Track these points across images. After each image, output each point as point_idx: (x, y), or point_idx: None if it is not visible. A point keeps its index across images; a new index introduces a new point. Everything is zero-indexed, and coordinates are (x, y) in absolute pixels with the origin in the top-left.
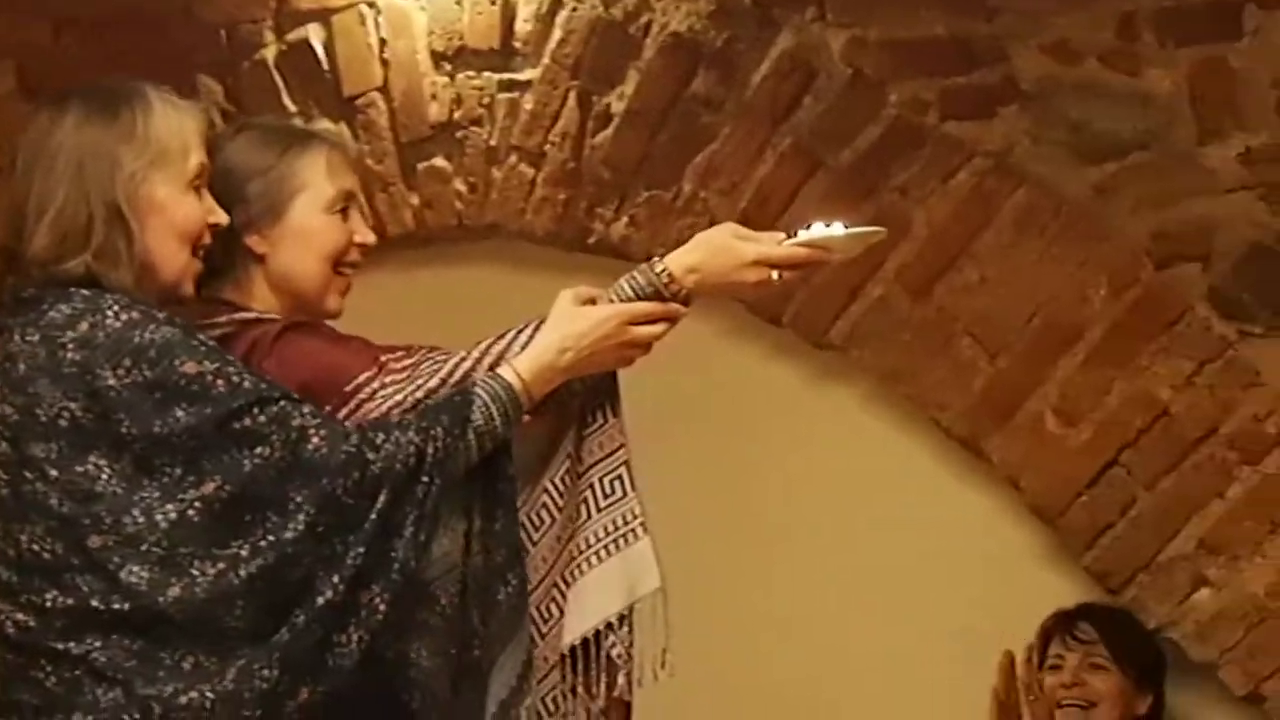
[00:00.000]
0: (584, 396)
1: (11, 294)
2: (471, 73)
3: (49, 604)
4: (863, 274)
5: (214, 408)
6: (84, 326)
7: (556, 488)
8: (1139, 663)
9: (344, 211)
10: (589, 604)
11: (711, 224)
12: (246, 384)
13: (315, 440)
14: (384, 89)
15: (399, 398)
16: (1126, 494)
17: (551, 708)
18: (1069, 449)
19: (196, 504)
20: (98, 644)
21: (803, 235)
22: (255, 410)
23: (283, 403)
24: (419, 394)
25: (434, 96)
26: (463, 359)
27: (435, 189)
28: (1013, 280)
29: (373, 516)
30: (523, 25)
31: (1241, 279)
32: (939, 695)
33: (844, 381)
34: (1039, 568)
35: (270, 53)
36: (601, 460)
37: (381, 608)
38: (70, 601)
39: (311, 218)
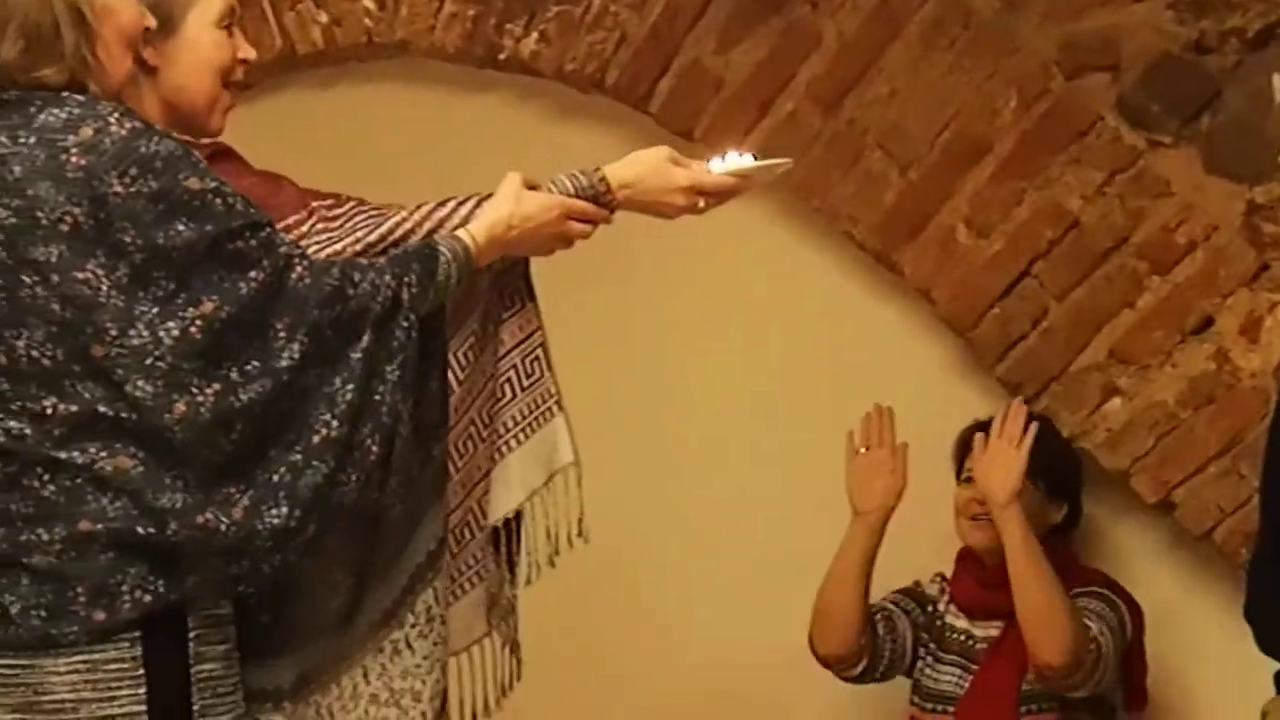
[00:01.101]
0: (496, 280)
1: None
2: None
3: (48, 411)
4: (773, 88)
5: (213, 225)
6: (87, 132)
7: (459, 361)
8: (1053, 472)
9: (229, 27)
10: (513, 480)
11: (621, 40)
12: (239, 206)
13: (299, 270)
14: None
15: (337, 247)
16: (1038, 305)
17: (468, 583)
18: (980, 261)
19: (198, 322)
20: (102, 453)
21: (723, 164)
22: (247, 233)
23: (268, 229)
24: (357, 246)
25: None
26: (403, 219)
27: (344, 6)
28: (922, 93)
29: (357, 355)
30: None
31: (1150, 89)
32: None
33: (754, 196)
34: (951, 380)
35: None
36: (520, 344)
37: (374, 449)
38: (73, 408)
39: (203, 32)
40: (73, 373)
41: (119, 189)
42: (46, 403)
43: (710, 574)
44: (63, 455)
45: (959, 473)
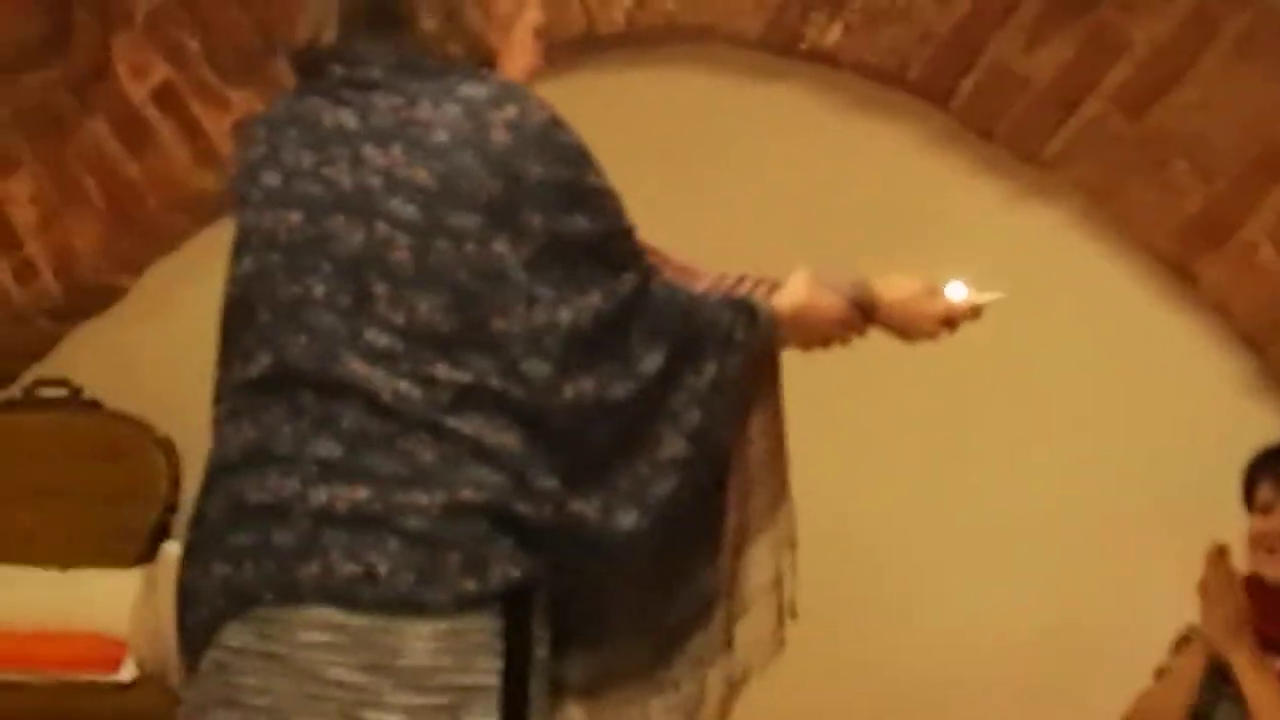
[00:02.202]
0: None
1: (399, 60)
2: None
3: (439, 377)
4: (1079, 90)
5: (605, 224)
6: (511, 111)
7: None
8: None
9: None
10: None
11: (925, 35)
12: (621, 210)
13: (658, 283)
14: None
15: None
16: None
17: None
18: None
19: (588, 313)
20: (487, 426)
21: (960, 293)
22: (626, 238)
23: (637, 237)
24: None
25: None
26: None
27: None
28: (1232, 103)
29: (704, 379)
30: None
31: None
32: (1141, 519)
33: (1051, 200)
34: (1246, 398)
35: None
36: (766, 433)
37: (705, 478)
38: (465, 378)
39: (527, 37)
40: (468, 342)
41: (535, 171)
42: (439, 368)
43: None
44: (449, 422)
45: (1250, 500)
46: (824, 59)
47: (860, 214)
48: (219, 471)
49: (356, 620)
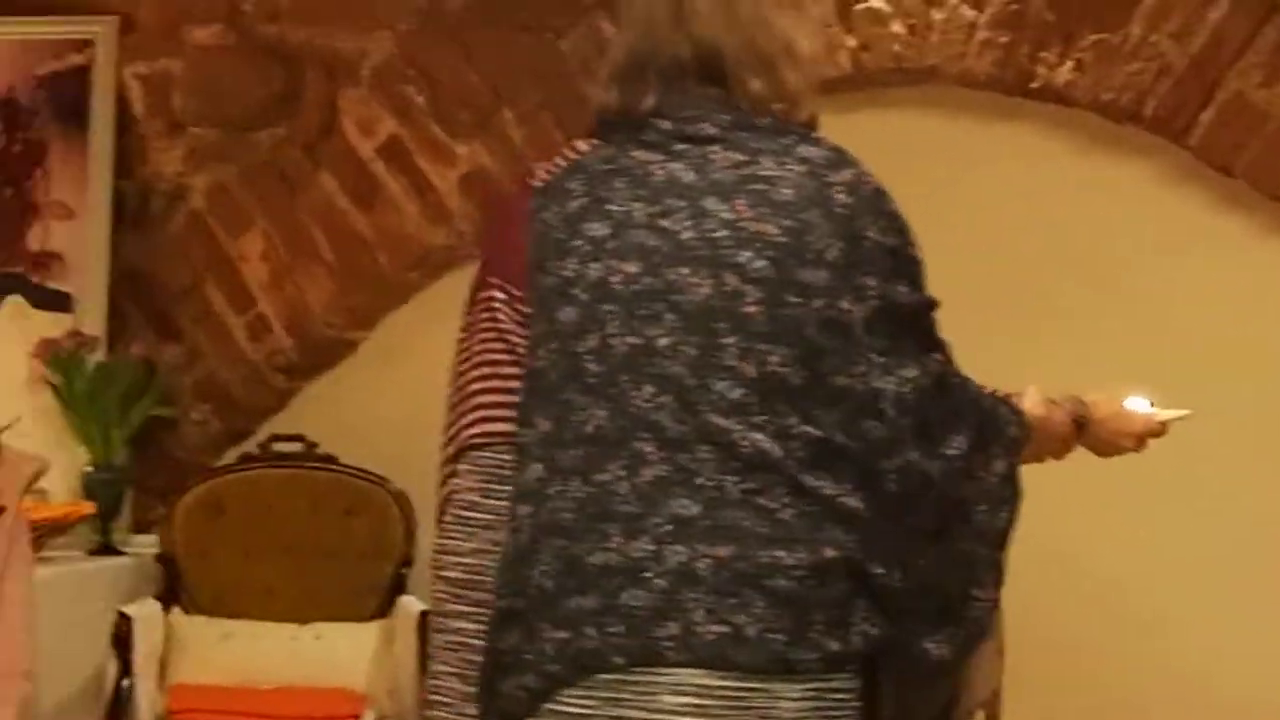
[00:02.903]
0: None
1: (733, 118)
2: None
3: (792, 430)
4: None
5: (921, 297)
6: (848, 174)
7: None
8: None
9: None
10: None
11: (1160, 71)
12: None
13: (954, 366)
14: None
15: None
16: None
17: None
18: None
19: (909, 384)
20: (840, 485)
21: (1146, 407)
22: (932, 314)
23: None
24: None
25: None
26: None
27: (873, 31)
28: None
29: (996, 478)
30: None
31: None
32: None
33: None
34: None
35: None
36: None
37: (999, 582)
38: (816, 432)
39: None
40: (815, 396)
41: (872, 235)
42: (790, 421)
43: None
44: (807, 480)
45: None
46: (1056, 97)
47: (1098, 251)
48: (543, 534)
49: (726, 682)
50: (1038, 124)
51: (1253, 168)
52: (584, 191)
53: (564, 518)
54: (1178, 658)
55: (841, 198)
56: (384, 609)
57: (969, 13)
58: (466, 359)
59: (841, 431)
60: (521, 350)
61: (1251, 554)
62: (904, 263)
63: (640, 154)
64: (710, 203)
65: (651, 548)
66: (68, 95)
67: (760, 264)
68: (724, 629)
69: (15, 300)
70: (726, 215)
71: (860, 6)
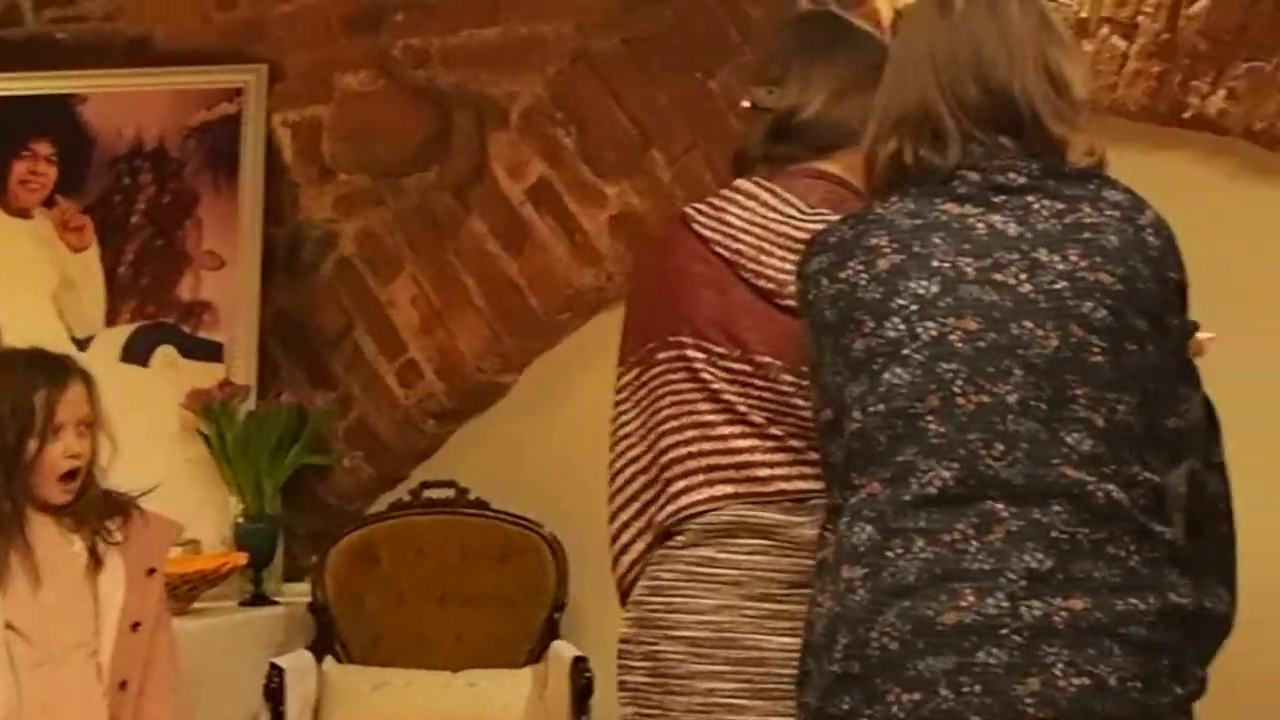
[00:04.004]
0: None
1: (1042, 166)
2: None
3: (1137, 478)
4: None
5: (1188, 330)
6: (1151, 216)
7: None
8: None
9: None
10: None
11: None
12: None
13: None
14: None
15: None
16: None
17: None
18: None
19: (1198, 411)
20: (1170, 526)
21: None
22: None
23: None
24: None
25: None
26: None
27: None
28: None
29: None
30: None
31: None
32: None
33: None
34: None
35: None
36: None
37: None
38: (1154, 479)
39: None
40: (1151, 441)
41: (1173, 276)
42: (1134, 469)
43: None
44: (1152, 525)
45: None
46: (1209, 126)
47: (1253, 280)
48: (884, 595)
49: None
50: (1191, 153)
51: None
52: (895, 248)
53: (908, 580)
54: None
55: (1153, 241)
56: (537, 655)
57: (1120, 43)
58: (658, 419)
59: (1173, 476)
60: (744, 409)
61: None
62: (1183, 297)
63: (952, 207)
64: (1043, 254)
65: (1006, 604)
66: (218, 144)
67: (1102, 313)
68: (1085, 681)
69: (167, 350)
70: (1061, 266)
71: None
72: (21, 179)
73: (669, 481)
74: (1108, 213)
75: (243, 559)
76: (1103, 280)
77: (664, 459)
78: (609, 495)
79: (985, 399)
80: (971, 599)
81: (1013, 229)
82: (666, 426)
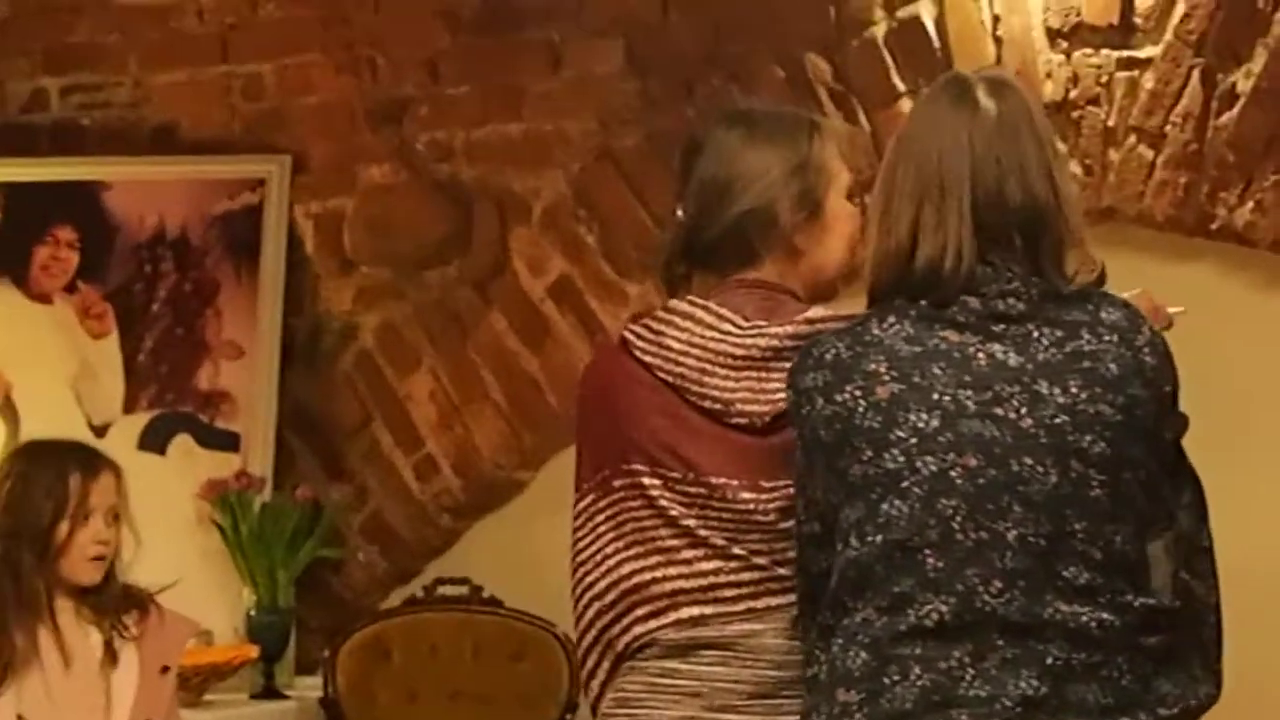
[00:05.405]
0: None
1: (1044, 290)
2: (1089, 50)
3: (1132, 603)
4: None
5: (1185, 420)
6: (1147, 333)
7: None
8: None
9: (853, 198)
10: None
11: None
12: None
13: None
14: (997, 68)
15: None
16: None
17: None
18: None
19: (1189, 510)
20: (1164, 640)
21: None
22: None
23: None
24: None
25: (1049, 75)
26: None
27: None
28: None
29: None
30: (1143, 0)
31: None
32: None
33: None
34: None
35: (880, 30)
36: None
37: None
38: (1149, 601)
39: (840, 206)
40: (1143, 564)
41: (1168, 389)
42: (1129, 596)
43: None
44: (1144, 642)
45: None
46: (1236, 238)
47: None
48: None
49: None
50: (1217, 264)
51: None
52: (894, 376)
53: (906, 706)
54: None
55: (1150, 361)
56: None
57: (1147, 152)
58: (616, 546)
59: (1163, 594)
60: (704, 533)
61: None
62: (1175, 401)
63: (952, 335)
64: (1043, 386)
65: None
66: (240, 234)
67: (1101, 446)
68: None
69: (184, 439)
70: (1062, 400)
71: None
72: (43, 264)
73: (633, 606)
74: (1106, 339)
75: (254, 652)
76: (1103, 412)
77: (625, 585)
78: (574, 621)
79: (984, 535)
80: None
81: (1013, 359)
82: (629, 553)
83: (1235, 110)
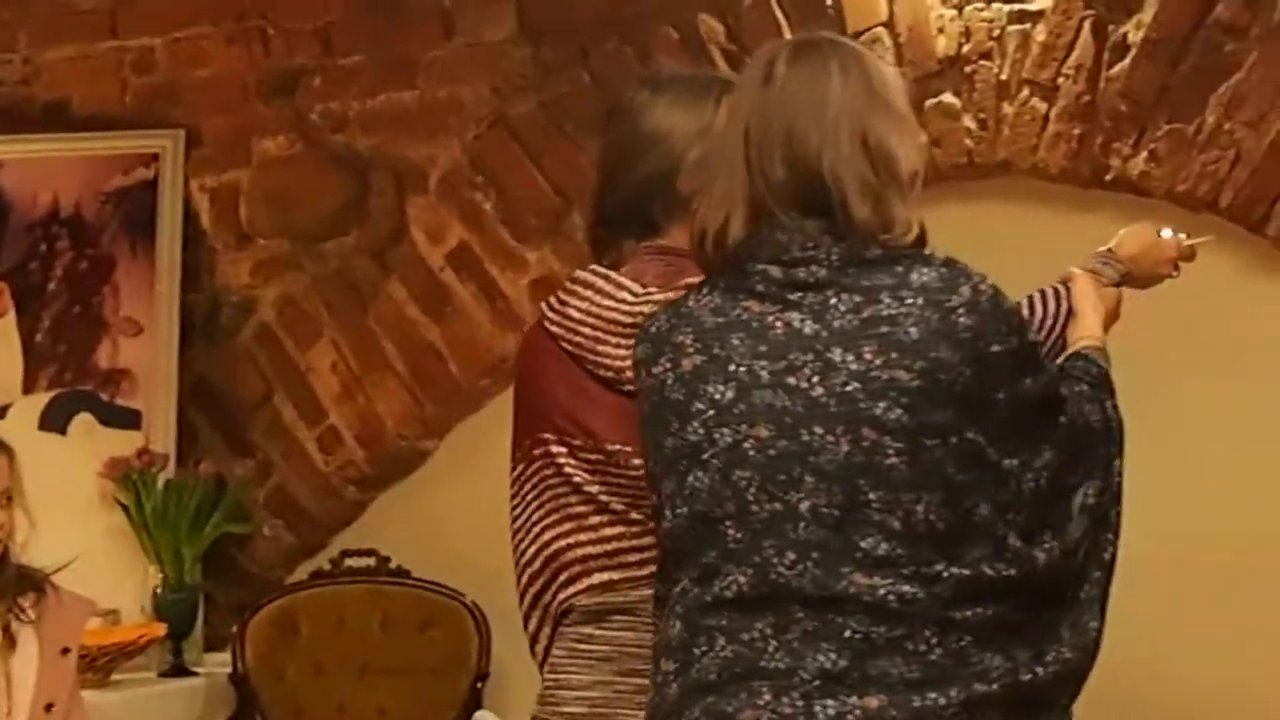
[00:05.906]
0: None
1: (843, 255)
2: (980, 4)
3: (942, 575)
4: None
5: (1044, 377)
6: (965, 292)
7: None
8: None
9: None
10: None
11: (1237, 158)
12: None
13: (1083, 407)
14: (889, 24)
15: None
16: None
17: None
18: None
19: (1044, 473)
20: (985, 611)
21: (1174, 235)
22: (1052, 380)
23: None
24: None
25: (941, 30)
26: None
27: (944, 126)
28: None
29: (1116, 476)
30: None
31: None
32: None
33: None
34: None
35: None
36: None
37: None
38: (964, 572)
39: None
40: (962, 534)
41: (996, 348)
42: (938, 567)
43: None
44: (954, 615)
45: None
46: (1131, 188)
47: (1175, 342)
48: (691, 691)
49: None
50: (1113, 215)
51: None
52: (698, 348)
53: (710, 677)
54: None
55: (964, 322)
56: None
57: (1040, 105)
58: (539, 514)
59: (988, 562)
60: (605, 498)
61: None
62: (1024, 357)
63: (754, 305)
64: (836, 354)
65: (801, 703)
66: (135, 210)
67: (896, 413)
68: None
69: (85, 418)
70: (855, 366)
71: (931, 102)
72: None
73: (556, 573)
74: (910, 301)
75: (162, 630)
76: (898, 378)
77: (547, 552)
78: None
79: (778, 506)
80: (768, 697)
81: (809, 328)
82: (547, 520)
83: (1127, 61)
